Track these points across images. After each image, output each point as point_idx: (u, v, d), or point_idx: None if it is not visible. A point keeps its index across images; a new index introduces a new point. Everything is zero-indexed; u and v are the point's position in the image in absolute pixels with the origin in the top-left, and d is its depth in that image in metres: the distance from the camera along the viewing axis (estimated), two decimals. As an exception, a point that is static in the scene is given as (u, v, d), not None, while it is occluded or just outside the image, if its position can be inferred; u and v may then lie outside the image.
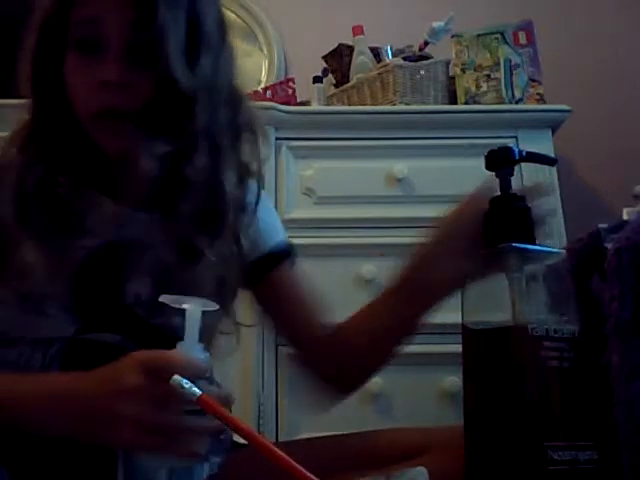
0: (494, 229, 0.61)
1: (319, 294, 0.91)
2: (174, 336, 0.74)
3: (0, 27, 1.72)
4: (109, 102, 0.73)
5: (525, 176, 1.63)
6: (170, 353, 0.61)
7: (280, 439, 1.47)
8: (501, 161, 0.63)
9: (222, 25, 0.79)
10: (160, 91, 0.73)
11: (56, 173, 0.76)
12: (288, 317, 0.89)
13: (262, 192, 0.88)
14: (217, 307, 0.63)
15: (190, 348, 0.61)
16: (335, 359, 0.85)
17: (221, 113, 0.78)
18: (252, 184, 0.84)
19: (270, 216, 0.91)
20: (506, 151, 0.63)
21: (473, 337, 0.60)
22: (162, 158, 0.73)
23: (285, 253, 0.89)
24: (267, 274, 0.87)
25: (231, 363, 1.50)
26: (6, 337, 0.76)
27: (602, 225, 0.97)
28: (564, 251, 0.63)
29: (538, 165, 1.60)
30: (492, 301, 0.61)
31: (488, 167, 0.64)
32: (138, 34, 0.72)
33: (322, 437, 0.84)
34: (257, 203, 0.85)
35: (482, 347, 0.58)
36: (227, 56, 0.80)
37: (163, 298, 0.63)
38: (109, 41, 0.73)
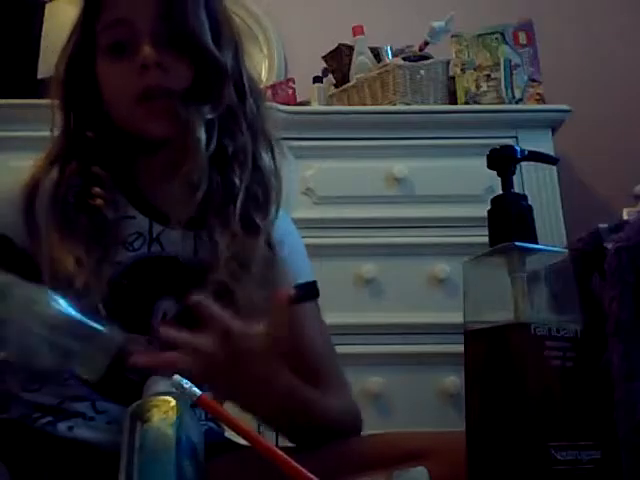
0: (497, 228, 0.61)
1: (322, 355, 0.87)
2: None
3: (2, 31, 1.73)
4: (153, 81, 0.75)
5: (525, 176, 1.64)
6: None
7: (280, 440, 1.47)
8: (503, 160, 0.63)
9: (231, 20, 0.83)
10: (197, 73, 0.76)
11: (92, 184, 0.77)
12: (298, 360, 0.82)
13: (289, 226, 0.90)
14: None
15: None
16: None
17: (249, 100, 0.81)
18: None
19: (295, 256, 0.89)
20: (509, 150, 0.63)
21: (475, 337, 0.59)
22: (206, 129, 0.76)
23: (307, 294, 0.88)
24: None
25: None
26: None
27: (602, 225, 0.97)
28: (567, 250, 0.62)
29: (538, 165, 1.62)
30: (494, 300, 0.61)
31: (490, 166, 0.63)
32: (166, 25, 0.76)
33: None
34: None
35: (484, 347, 0.58)
36: (241, 48, 0.83)
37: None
38: (140, 36, 0.75)
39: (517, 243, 0.58)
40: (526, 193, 0.63)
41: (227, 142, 0.78)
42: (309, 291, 0.89)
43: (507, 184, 0.62)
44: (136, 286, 0.77)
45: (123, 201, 0.79)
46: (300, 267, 0.90)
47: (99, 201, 0.76)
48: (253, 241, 0.79)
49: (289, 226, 0.90)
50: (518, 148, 0.63)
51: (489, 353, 0.57)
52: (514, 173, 0.63)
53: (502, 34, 1.85)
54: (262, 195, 0.82)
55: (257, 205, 0.81)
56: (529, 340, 0.54)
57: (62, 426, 0.74)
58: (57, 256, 0.73)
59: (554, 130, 1.74)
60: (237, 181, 0.78)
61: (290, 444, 0.85)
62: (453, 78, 1.87)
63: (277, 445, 0.62)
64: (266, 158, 0.82)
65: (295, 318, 0.83)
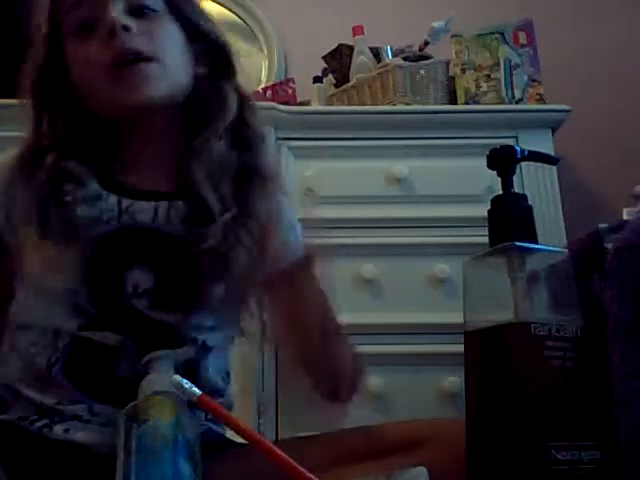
0: (497, 228, 0.61)
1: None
2: (172, 332, 0.75)
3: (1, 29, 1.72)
4: (122, 46, 0.74)
5: (525, 176, 1.64)
6: None
7: (280, 439, 1.47)
8: (504, 160, 0.63)
9: None
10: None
11: (62, 180, 0.77)
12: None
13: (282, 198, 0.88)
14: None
15: None
16: None
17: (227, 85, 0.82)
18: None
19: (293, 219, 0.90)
20: (509, 150, 0.63)
21: (475, 336, 0.59)
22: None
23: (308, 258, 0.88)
24: (287, 275, 0.85)
25: (231, 363, 1.50)
26: (21, 322, 0.78)
27: (602, 225, 0.97)
28: (566, 250, 0.62)
29: (538, 165, 1.62)
30: (494, 300, 0.61)
31: (490, 166, 0.63)
32: None
33: (321, 433, 0.84)
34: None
35: (484, 346, 0.58)
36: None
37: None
38: (103, 9, 0.74)
39: (517, 243, 0.58)
40: (526, 193, 0.63)
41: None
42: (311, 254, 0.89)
43: (507, 184, 0.62)
44: (106, 258, 0.76)
45: (92, 185, 0.78)
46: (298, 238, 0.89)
47: (68, 198, 0.76)
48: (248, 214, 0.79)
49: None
50: (518, 148, 0.63)
51: (489, 353, 0.57)
52: (514, 173, 0.63)
53: (502, 34, 1.85)
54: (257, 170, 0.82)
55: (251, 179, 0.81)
56: (529, 340, 0.54)
57: (58, 429, 0.73)
58: (30, 246, 0.75)
59: (554, 130, 1.73)
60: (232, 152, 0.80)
61: (290, 439, 0.86)
62: (453, 78, 1.86)
63: (277, 443, 0.62)
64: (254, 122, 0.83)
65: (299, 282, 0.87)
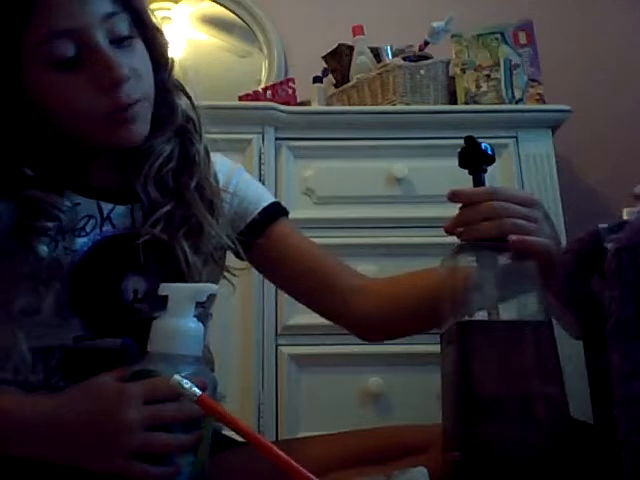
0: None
1: (322, 254, 0.91)
2: None
3: None
4: (127, 99, 0.73)
5: (525, 176, 1.63)
6: (157, 383, 0.64)
7: (280, 439, 1.47)
8: (474, 158, 0.64)
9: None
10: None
11: (26, 213, 0.73)
12: (303, 266, 0.89)
13: (233, 165, 0.91)
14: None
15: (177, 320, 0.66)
16: (376, 311, 0.88)
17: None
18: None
19: (250, 186, 0.92)
20: (478, 148, 0.64)
21: (445, 337, 0.61)
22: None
23: (279, 211, 0.92)
24: (265, 229, 0.88)
25: (231, 363, 1.50)
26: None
27: (602, 225, 0.97)
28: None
29: (539, 165, 1.62)
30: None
31: (462, 165, 0.65)
32: (113, 26, 0.73)
33: (323, 435, 0.84)
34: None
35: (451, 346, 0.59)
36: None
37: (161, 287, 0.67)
38: (92, 45, 0.71)
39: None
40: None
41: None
42: (279, 209, 0.92)
43: (478, 182, 0.64)
44: (98, 269, 0.75)
45: (62, 188, 0.76)
46: (259, 193, 0.92)
47: (38, 193, 0.72)
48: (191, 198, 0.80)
49: (231, 166, 0.91)
50: (487, 145, 0.65)
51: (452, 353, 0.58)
52: (486, 171, 0.64)
53: (502, 34, 1.85)
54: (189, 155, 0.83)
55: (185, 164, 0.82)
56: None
57: None
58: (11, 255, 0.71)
59: (554, 130, 1.74)
60: (166, 146, 0.80)
61: (290, 440, 0.86)
62: (453, 78, 1.87)
63: (277, 443, 0.62)
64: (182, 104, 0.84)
65: (279, 235, 0.89)
